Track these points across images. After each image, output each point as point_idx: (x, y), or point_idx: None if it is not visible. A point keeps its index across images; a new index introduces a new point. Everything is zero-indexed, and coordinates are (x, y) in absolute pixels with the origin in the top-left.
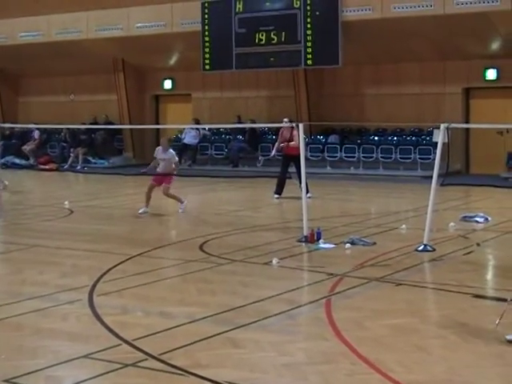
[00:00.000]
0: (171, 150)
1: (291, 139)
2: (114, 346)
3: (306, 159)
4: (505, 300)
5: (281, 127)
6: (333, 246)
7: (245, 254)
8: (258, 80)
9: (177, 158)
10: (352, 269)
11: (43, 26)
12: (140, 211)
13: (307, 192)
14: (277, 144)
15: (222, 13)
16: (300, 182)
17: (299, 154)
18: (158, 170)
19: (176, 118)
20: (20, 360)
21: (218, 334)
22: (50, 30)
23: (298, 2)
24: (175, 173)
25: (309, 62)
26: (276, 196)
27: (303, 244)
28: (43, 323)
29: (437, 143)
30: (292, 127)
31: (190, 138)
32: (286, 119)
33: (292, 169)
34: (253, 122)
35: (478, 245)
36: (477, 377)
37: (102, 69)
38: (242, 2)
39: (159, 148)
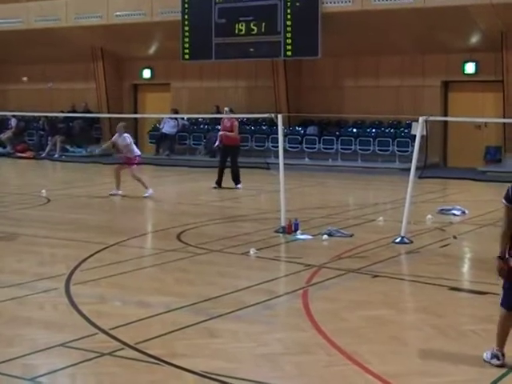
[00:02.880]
0: (125, 135)
1: (231, 129)
2: (91, 334)
3: (285, 150)
4: (482, 293)
5: (260, 117)
6: (310, 237)
7: (222, 244)
8: (237, 70)
9: (128, 140)
10: (329, 260)
11: (22, 14)
12: (110, 193)
13: (238, 183)
14: (219, 134)
15: (202, 2)
16: (232, 173)
17: (236, 146)
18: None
19: (155, 107)
20: None
21: (194, 324)
22: (28, 18)
23: None
24: (133, 155)
25: (288, 53)
26: (214, 186)
27: (281, 235)
28: (20, 311)
29: (415, 136)
30: (232, 117)
31: (168, 127)
32: (226, 108)
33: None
34: (232, 112)
35: (455, 237)
36: (452, 369)
37: (81, 57)
38: None
39: (116, 134)
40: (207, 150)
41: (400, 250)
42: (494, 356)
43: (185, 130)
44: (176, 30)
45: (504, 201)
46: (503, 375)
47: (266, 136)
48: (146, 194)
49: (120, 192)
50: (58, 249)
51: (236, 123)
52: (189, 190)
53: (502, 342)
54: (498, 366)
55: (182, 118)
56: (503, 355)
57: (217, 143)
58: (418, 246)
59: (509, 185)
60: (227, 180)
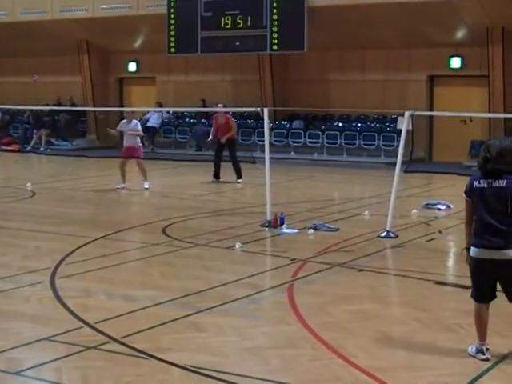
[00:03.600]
0: (134, 120)
1: (228, 126)
2: (76, 328)
3: (271, 144)
4: (468, 287)
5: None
6: (296, 231)
7: (208, 238)
8: (223, 64)
9: (140, 127)
10: (315, 254)
11: (7, 6)
12: (118, 186)
13: (240, 177)
14: (212, 129)
15: None
16: (234, 168)
17: (232, 140)
18: (124, 144)
19: (140, 100)
20: None
21: (180, 318)
22: (14, 10)
23: None
24: (140, 144)
25: (274, 47)
26: (212, 180)
27: (266, 229)
28: (4, 305)
29: (400, 130)
30: (226, 112)
31: (153, 120)
32: (220, 104)
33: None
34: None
35: (440, 232)
36: (438, 363)
37: (67, 50)
38: None
39: (123, 121)
40: (193, 144)
41: (385, 244)
42: (479, 351)
43: (170, 123)
44: (162, 24)
45: (464, 195)
46: (488, 369)
47: (252, 130)
48: (146, 186)
49: (127, 185)
50: (43, 242)
51: (232, 118)
52: (174, 183)
53: (482, 335)
54: (483, 361)
55: (168, 112)
56: (487, 349)
57: (210, 137)
58: (403, 241)
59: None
60: (226, 174)
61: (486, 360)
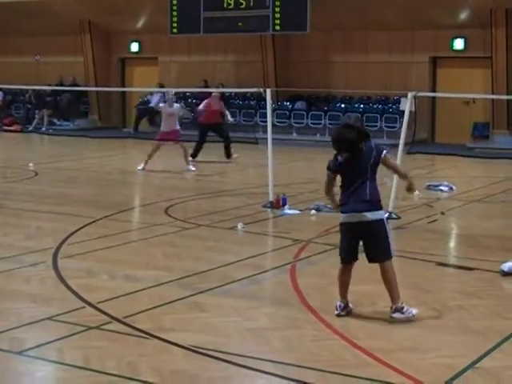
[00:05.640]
0: (176, 104)
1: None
2: (78, 308)
3: (273, 125)
4: (469, 269)
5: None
6: (298, 212)
7: (210, 218)
8: (225, 44)
9: (183, 112)
10: (317, 235)
11: None
12: (139, 167)
13: (230, 156)
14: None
15: None
16: (225, 147)
17: (217, 122)
18: (162, 128)
19: (142, 81)
20: None
21: (182, 298)
22: None
23: None
24: (177, 128)
25: (277, 27)
26: (191, 159)
27: (268, 210)
28: (6, 285)
29: (403, 111)
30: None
31: (155, 101)
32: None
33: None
34: (222, 86)
35: (443, 213)
36: (440, 345)
37: (69, 30)
38: None
39: (163, 104)
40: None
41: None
42: (335, 306)
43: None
44: (164, 4)
45: (327, 170)
46: (490, 350)
47: (254, 111)
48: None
49: (147, 167)
50: (46, 222)
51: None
52: (176, 164)
53: (343, 293)
54: (338, 316)
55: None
56: (340, 306)
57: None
58: (405, 222)
59: None
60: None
61: (338, 316)
